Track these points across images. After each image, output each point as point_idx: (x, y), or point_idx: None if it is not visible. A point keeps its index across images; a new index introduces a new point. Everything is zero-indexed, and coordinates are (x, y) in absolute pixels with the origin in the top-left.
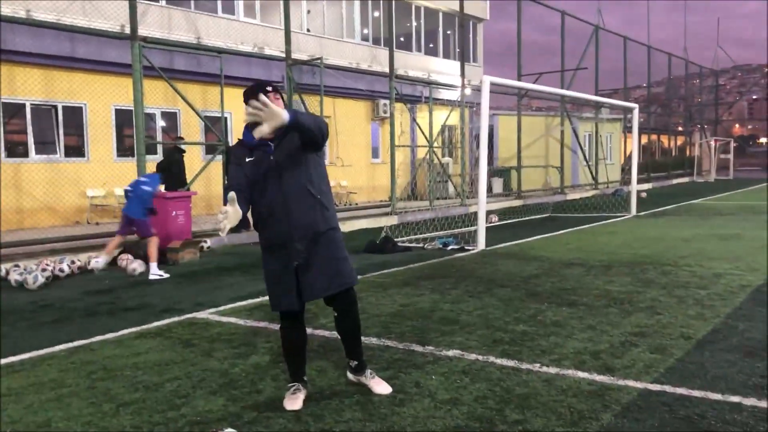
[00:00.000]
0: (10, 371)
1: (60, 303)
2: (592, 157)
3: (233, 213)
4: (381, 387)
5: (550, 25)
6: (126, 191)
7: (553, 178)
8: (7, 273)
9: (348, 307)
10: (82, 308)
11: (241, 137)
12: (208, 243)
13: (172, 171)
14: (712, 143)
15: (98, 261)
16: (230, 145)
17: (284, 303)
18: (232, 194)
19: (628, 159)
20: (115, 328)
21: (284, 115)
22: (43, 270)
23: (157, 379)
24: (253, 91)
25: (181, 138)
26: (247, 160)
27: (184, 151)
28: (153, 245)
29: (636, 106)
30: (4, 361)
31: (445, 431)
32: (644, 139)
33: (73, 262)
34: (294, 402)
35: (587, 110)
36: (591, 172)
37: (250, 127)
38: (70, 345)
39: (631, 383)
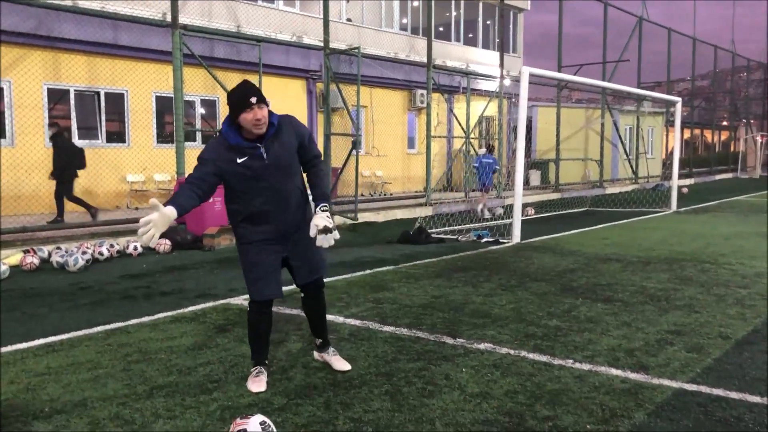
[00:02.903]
0: (50, 351)
1: (98, 285)
2: (632, 151)
3: (160, 218)
4: (341, 364)
5: (592, 16)
6: (474, 167)
7: (592, 171)
8: (50, 255)
9: (319, 289)
10: (119, 291)
11: (224, 138)
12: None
13: (63, 159)
14: (759, 138)
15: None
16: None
17: (270, 292)
18: (153, 200)
19: (669, 153)
20: (151, 312)
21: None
22: (84, 253)
23: (190, 363)
24: (240, 100)
25: (56, 123)
26: (239, 160)
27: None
28: (485, 197)
29: (679, 99)
30: (44, 340)
31: (474, 424)
32: (687, 134)
33: (112, 246)
34: (259, 384)
35: (629, 103)
36: (631, 166)
37: (234, 126)
38: (107, 327)
39: (665, 382)
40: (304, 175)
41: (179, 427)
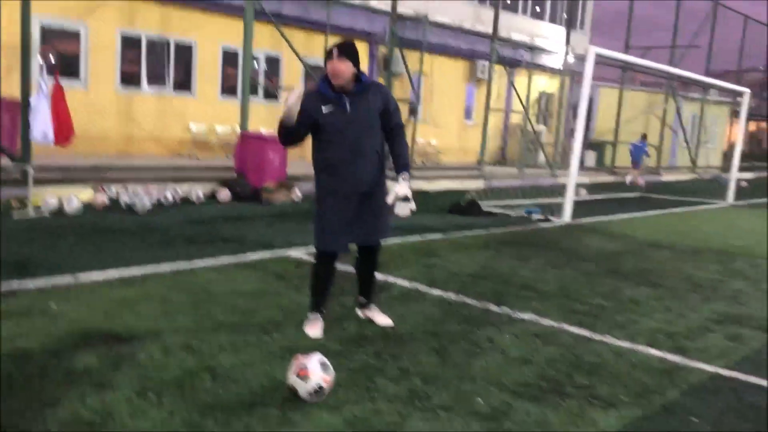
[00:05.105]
0: (124, 283)
1: (164, 228)
2: (693, 140)
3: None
4: (384, 319)
5: None
6: (629, 149)
7: (650, 157)
8: (118, 195)
9: (374, 253)
10: (184, 235)
11: (317, 87)
12: (299, 197)
13: None
14: None
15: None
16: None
17: (335, 245)
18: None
19: (731, 145)
20: (214, 256)
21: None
22: (150, 196)
23: (252, 306)
24: (328, 51)
25: None
26: (324, 110)
27: None
28: (635, 172)
29: (747, 90)
30: (117, 273)
31: (515, 385)
32: (752, 126)
33: (175, 192)
34: (316, 330)
35: (694, 90)
36: (690, 155)
37: (326, 79)
38: (175, 266)
39: (702, 366)
40: (386, 143)
41: (243, 361)
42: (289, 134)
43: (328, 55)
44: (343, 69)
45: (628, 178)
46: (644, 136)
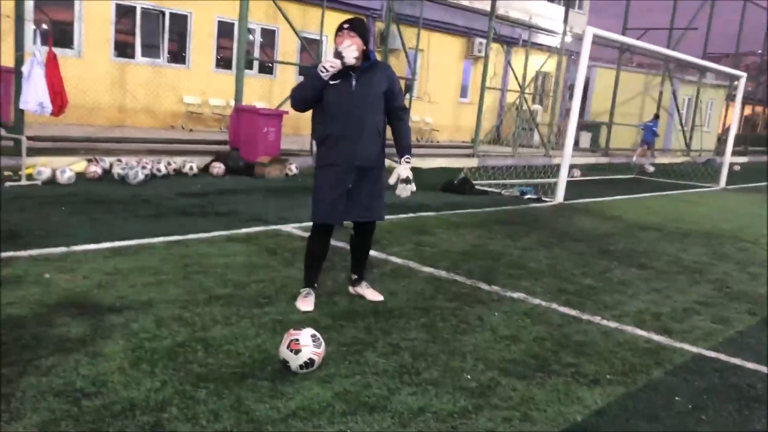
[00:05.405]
0: (117, 254)
1: (157, 200)
2: (688, 123)
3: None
4: (374, 295)
5: None
6: (641, 128)
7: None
8: (111, 166)
9: (369, 232)
10: (177, 207)
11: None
12: (294, 171)
13: None
14: None
15: (638, 159)
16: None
17: (331, 217)
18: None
19: (726, 129)
20: (207, 229)
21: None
22: (143, 168)
23: (245, 279)
24: (339, 25)
25: None
26: (331, 82)
27: None
28: (643, 151)
29: (744, 74)
30: (110, 244)
31: (502, 362)
32: (748, 110)
33: (169, 164)
34: (308, 304)
35: (691, 73)
36: (685, 138)
37: (337, 54)
38: (168, 239)
39: (687, 347)
40: (389, 126)
41: (236, 333)
42: (306, 94)
43: (339, 29)
44: (355, 44)
45: (634, 158)
46: (656, 116)
